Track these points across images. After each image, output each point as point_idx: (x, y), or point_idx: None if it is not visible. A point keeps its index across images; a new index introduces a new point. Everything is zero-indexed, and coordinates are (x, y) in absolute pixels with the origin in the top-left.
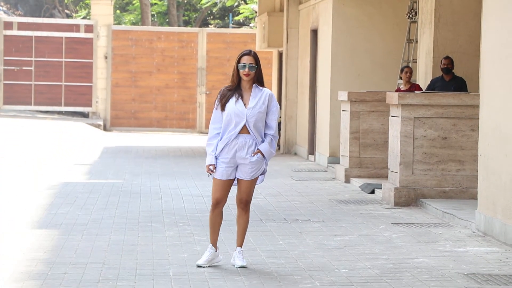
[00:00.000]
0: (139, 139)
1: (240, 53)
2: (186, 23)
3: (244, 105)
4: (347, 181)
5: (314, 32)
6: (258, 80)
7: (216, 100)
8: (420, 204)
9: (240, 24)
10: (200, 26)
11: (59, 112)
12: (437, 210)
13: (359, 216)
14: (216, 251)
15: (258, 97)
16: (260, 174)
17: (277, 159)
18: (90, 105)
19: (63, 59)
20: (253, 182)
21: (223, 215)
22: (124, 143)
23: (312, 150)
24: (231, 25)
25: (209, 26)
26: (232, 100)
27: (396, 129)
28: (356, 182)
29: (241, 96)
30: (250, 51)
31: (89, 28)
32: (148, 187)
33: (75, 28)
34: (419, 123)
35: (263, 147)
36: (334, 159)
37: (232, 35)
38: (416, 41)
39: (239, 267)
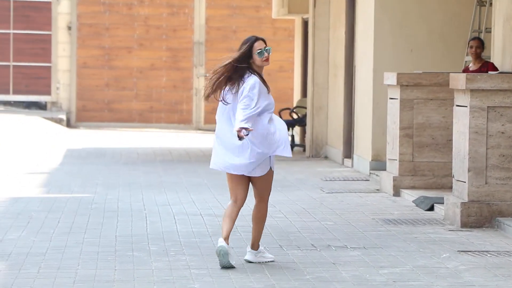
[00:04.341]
0: (115, 139)
1: (247, 40)
2: None
3: None
4: (396, 193)
5: None
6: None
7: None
8: (497, 224)
9: None
10: None
11: (5, 103)
12: None
13: (413, 241)
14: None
15: None
16: None
17: (302, 164)
18: (48, 93)
19: (11, 31)
20: None
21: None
22: (94, 144)
23: (348, 152)
24: None
25: None
26: None
27: (463, 123)
28: (409, 196)
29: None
30: (258, 37)
31: None
32: (127, 203)
33: None
34: (494, 115)
35: None
36: (378, 164)
37: None
38: (491, 4)
39: None
